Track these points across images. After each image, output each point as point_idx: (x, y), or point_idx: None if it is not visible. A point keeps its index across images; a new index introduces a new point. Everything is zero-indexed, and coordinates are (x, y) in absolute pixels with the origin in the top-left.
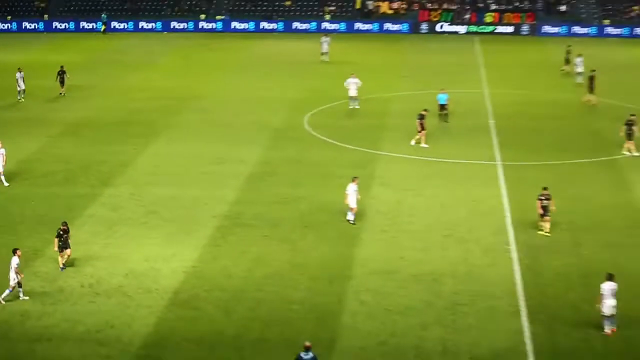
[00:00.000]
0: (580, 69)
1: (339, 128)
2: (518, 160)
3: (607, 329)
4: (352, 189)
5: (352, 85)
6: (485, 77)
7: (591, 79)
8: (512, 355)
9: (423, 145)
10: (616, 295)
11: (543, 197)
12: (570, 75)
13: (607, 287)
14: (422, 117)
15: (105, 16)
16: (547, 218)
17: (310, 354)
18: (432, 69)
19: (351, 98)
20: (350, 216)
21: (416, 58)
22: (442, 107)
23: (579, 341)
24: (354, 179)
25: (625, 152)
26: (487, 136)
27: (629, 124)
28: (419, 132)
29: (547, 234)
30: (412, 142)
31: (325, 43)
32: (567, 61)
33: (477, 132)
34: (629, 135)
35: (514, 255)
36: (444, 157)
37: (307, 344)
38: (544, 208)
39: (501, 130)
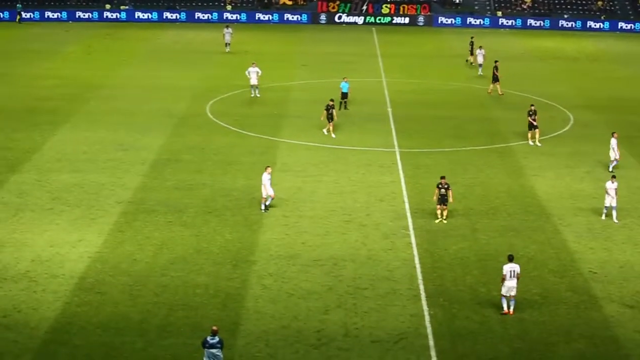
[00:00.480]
0: (481, 61)
1: (241, 116)
2: (415, 147)
3: (505, 309)
4: (266, 178)
5: (253, 74)
6: (383, 67)
7: (495, 69)
8: (413, 337)
9: (325, 132)
10: (517, 276)
11: (441, 186)
12: (473, 66)
13: (508, 268)
14: (329, 107)
15: (21, 6)
16: (444, 207)
17: (217, 338)
18: (331, 59)
19: (252, 86)
20: (268, 202)
21: (315, 48)
22: (345, 95)
23: (477, 324)
24: (266, 168)
25: (530, 143)
26: (386, 124)
27: (532, 114)
28: (329, 122)
29: (444, 221)
30: (333, 136)
31: (227, 34)
32: (472, 52)
33: (376, 119)
34: (532, 125)
35: (413, 240)
36: (343, 144)
37: (214, 328)
38: (442, 196)
39: (399, 118)
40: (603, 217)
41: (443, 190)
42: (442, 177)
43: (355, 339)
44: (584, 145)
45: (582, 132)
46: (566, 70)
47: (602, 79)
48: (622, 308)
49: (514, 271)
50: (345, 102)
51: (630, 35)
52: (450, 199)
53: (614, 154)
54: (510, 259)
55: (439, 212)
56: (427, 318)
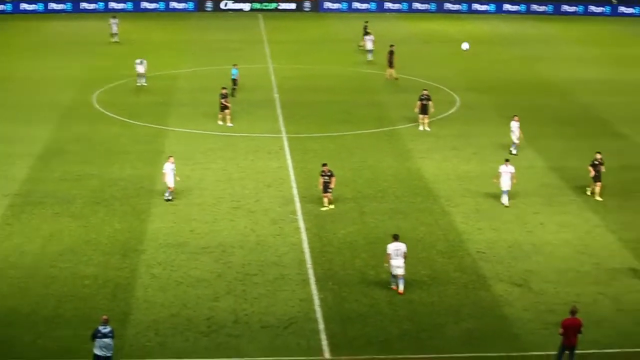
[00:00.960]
0: (370, 47)
1: (128, 105)
2: (303, 132)
3: (394, 285)
4: (168, 168)
5: (140, 67)
6: (269, 53)
7: (390, 53)
8: (303, 322)
9: (229, 124)
10: (404, 256)
11: (324, 174)
12: (364, 52)
13: (392, 247)
14: (223, 95)
15: None
16: (327, 194)
17: (109, 327)
18: (217, 46)
19: (139, 75)
20: (167, 194)
21: (202, 35)
22: (235, 81)
23: (366, 306)
24: (169, 158)
25: (420, 128)
26: (273, 110)
27: (424, 99)
28: (223, 110)
29: (331, 206)
30: (220, 123)
31: (114, 25)
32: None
33: (263, 106)
34: (424, 110)
35: (301, 225)
36: (231, 130)
37: (105, 317)
38: (326, 184)
39: (286, 103)
40: (506, 203)
41: (326, 177)
42: (324, 165)
43: (245, 325)
44: (470, 127)
45: (468, 113)
46: (452, 52)
47: (488, 61)
48: (510, 287)
49: (399, 250)
50: (233, 89)
51: (515, 17)
52: (332, 185)
53: (515, 136)
54: (396, 238)
55: (325, 200)
56: (316, 302)
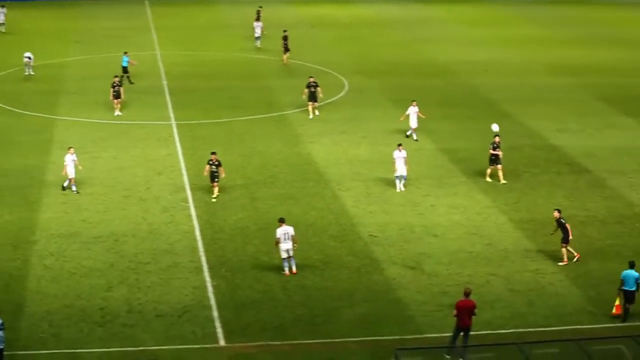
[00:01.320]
0: (258, 34)
1: (16, 95)
2: (192, 119)
3: (286, 270)
4: (69, 159)
5: (28, 59)
6: (157, 40)
7: (284, 39)
8: (197, 310)
9: (117, 113)
10: (293, 239)
11: (211, 162)
12: (252, 38)
13: (281, 231)
14: (115, 84)
15: None
16: (215, 183)
17: (0, 320)
18: (105, 34)
19: (26, 65)
20: (66, 184)
21: (90, 23)
22: (125, 69)
23: (260, 292)
24: (69, 149)
25: (310, 116)
26: (161, 97)
27: (312, 86)
28: (116, 98)
29: (213, 199)
30: (118, 113)
31: (1, 14)
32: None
33: (151, 93)
34: (313, 97)
35: (193, 212)
36: (119, 119)
37: None
38: (213, 173)
39: (174, 90)
40: (398, 189)
41: (214, 167)
42: (213, 153)
43: (139, 314)
44: (359, 111)
45: (356, 97)
46: (339, 36)
47: (375, 44)
48: (403, 270)
49: (287, 234)
50: (127, 76)
51: (402, 0)
52: (222, 175)
53: (413, 122)
54: (282, 221)
55: (214, 189)
56: (210, 289)
